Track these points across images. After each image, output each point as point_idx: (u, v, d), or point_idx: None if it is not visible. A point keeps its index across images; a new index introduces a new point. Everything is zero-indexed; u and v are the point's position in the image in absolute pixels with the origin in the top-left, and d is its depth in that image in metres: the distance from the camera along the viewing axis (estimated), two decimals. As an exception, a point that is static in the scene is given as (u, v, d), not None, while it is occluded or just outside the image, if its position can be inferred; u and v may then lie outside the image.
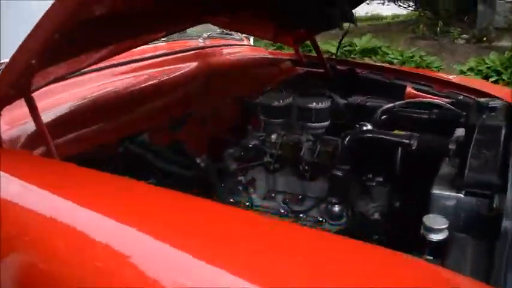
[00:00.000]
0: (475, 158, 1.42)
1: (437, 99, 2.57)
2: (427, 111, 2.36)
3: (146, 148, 1.90)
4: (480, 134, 1.48)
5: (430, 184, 1.49)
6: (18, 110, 1.45)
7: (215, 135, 2.37)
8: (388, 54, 9.03)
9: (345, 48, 9.34)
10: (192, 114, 2.23)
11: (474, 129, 1.50)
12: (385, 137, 1.78)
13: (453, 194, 1.43)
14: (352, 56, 9.26)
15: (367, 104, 2.77)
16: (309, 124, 2.09)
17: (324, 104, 2.07)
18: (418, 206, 1.81)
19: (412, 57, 8.66)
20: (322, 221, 1.96)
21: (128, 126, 1.88)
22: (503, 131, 1.47)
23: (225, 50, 2.94)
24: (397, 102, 2.65)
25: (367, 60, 8.79)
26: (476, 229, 1.34)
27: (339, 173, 1.88)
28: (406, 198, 1.98)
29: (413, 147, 1.68)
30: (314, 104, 2.06)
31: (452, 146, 1.60)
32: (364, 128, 2.16)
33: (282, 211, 2.05)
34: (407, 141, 1.69)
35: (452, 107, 2.48)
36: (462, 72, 7.64)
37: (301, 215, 2.01)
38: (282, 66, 3.08)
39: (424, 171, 1.76)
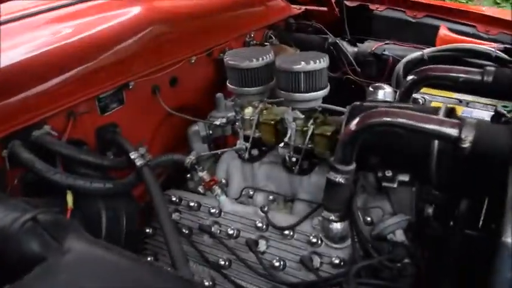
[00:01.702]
0: None
1: (485, 44, 1.82)
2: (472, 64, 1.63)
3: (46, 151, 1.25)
4: None
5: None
6: None
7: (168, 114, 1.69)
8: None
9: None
10: (131, 87, 1.54)
11: None
12: (411, 123, 1.06)
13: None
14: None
15: (384, 52, 2.03)
16: (297, 95, 1.38)
17: (319, 63, 1.35)
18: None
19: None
20: (316, 242, 1.30)
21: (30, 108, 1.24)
22: None
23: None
24: (426, 50, 1.90)
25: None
26: None
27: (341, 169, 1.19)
28: (448, 208, 1.31)
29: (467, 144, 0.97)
30: (302, 63, 1.33)
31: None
32: (380, 97, 1.45)
33: (259, 225, 1.40)
34: (455, 132, 0.98)
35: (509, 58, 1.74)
36: (496, 3, 6.55)
37: (286, 232, 1.36)
38: (273, 5, 2.29)
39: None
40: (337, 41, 2.12)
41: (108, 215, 1.27)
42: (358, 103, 1.37)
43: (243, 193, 1.59)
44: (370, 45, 2.09)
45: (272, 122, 1.48)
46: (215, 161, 1.72)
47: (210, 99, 1.79)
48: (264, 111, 1.53)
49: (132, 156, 1.38)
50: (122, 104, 1.53)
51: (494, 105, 1.70)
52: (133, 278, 0.70)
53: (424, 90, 1.91)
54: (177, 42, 1.73)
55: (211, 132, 1.73)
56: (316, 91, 1.38)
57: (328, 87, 1.42)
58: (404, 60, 1.93)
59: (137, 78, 1.56)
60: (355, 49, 2.14)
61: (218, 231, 1.48)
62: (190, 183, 1.73)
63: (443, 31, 1.92)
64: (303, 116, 1.43)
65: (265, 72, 1.48)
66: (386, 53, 2.02)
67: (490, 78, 1.30)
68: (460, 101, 1.83)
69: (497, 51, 1.74)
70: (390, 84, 1.63)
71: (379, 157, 1.29)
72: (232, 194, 1.60)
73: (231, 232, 1.44)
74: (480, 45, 1.78)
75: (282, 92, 1.41)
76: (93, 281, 0.67)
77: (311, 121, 1.41)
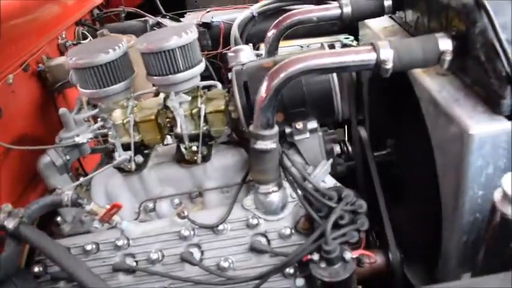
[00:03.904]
0: None
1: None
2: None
3: None
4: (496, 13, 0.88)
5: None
6: None
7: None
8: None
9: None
10: None
11: (483, 8, 0.88)
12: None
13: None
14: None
15: (213, 19, 1.94)
16: (176, 76, 1.19)
17: (191, 34, 1.17)
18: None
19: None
20: (257, 223, 1.18)
21: None
22: None
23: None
24: (253, 7, 1.90)
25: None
26: None
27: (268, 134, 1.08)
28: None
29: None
30: (175, 38, 1.14)
31: (446, 46, 0.96)
32: (242, 59, 1.36)
33: (186, 233, 1.19)
34: (373, 57, 0.96)
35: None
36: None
37: (219, 228, 1.19)
38: None
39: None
40: (159, 20, 1.94)
41: None
42: (238, 67, 1.27)
43: (141, 209, 1.34)
44: (194, 16, 1.98)
45: (152, 118, 1.27)
46: (87, 189, 1.41)
47: (46, 122, 1.44)
48: (135, 108, 1.30)
49: (-2, 220, 1.01)
50: None
51: (336, 41, 1.82)
52: None
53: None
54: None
55: (68, 157, 1.40)
56: (195, 66, 1.22)
57: (204, 60, 1.27)
58: (236, 22, 1.90)
59: None
60: (181, 24, 2.00)
61: (135, 263, 1.23)
62: (65, 227, 1.39)
63: (262, -15, 1.95)
64: (189, 99, 1.25)
65: (125, 63, 1.23)
66: (215, 20, 1.94)
67: (349, 9, 1.35)
68: (301, 46, 1.90)
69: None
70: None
71: (283, 113, 1.23)
72: (126, 217, 1.33)
73: (154, 256, 1.20)
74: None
75: (156, 77, 1.20)
76: None
77: (199, 100, 1.25)
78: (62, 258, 1.00)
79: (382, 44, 0.98)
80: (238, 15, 1.88)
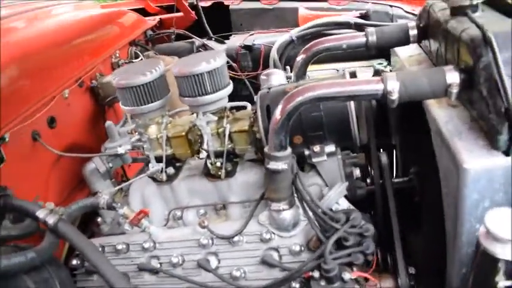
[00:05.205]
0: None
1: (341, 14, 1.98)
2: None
3: None
4: (501, 48, 0.90)
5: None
6: None
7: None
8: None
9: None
10: (7, 139, 1.30)
11: (489, 43, 0.91)
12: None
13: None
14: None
15: (255, 42, 2.06)
16: (204, 97, 1.30)
17: (219, 60, 1.29)
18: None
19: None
20: (269, 238, 1.26)
21: None
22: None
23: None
24: (293, 31, 1.99)
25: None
26: None
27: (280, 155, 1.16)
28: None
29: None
30: (203, 64, 1.26)
31: (454, 79, 0.99)
32: (274, 83, 1.45)
33: (204, 241, 1.30)
34: (380, 87, 1.02)
35: (367, 22, 1.92)
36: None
37: (235, 239, 1.28)
38: (126, 21, 2.15)
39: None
40: (205, 42, 2.09)
41: None
42: (264, 90, 1.36)
43: (170, 217, 1.46)
44: (237, 39, 2.11)
45: (183, 134, 1.39)
46: (125, 195, 1.55)
47: (95, 132, 1.61)
48: (169, 125, 1.43)
49: (41, 215, 1.16)
50: (3, 162, 1.28)
51: (369, 66, 1.87)
52: None
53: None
54: (42, 77, 1.51)
55: (111, 165, 1.56)
56: (222, 89, 1.33)
57: (232, 84, 1.38)
58: (276, 45, 1.99)
59: (10, 128, 1.32)
60: (225, 46, 2.13)
61: (159, 265, 1.34)
62: (104, 228, 1.54)
63: (303, 10, 2.03)
64: (215, 118, 1.36)
65: (161, 84, 1.37)
66: (256, 42, 2.06)
67: (374, 38, 1.40)
68: (337, 70, 1.96)
69: (355, 18, 1.91)
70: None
71: (302, 136, 1.30)
72: (156, 222, 1.46)
73: (175, 260, 1.31)
74: (338, 16, 1.93)
75: (187, 98, 1.33)
76: None
77: (225, 120, 1.36)
78: (90, 253, 1.13)
79: (389, 75, 1.03)
80: (278, 39, 1.97)
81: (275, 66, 1.99)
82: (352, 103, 1.26)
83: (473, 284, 0.86)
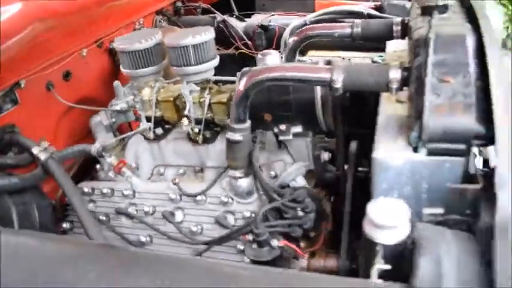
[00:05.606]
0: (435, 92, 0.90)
1: (357, 4, 2.02)
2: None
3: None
4: (437, 50, 0.94)
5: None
6: None
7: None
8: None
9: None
10: (23, 85, 1.51)
11: (426, 44, 0.95)
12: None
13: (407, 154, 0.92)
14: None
15: (270, 23, 2.16)
16: (188, 68, 1.44)
17: (205, 35, 1.42)
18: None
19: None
20: (227, 201, 1.39)
21: None
22: (470, 40, 0.93)
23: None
24: (308, 16, 2.06)
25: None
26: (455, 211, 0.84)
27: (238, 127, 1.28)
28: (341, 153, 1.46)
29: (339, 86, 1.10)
30: (189, 38, 1.40)
31: (395, 75, 1.05)
32: (268, 63, 1.55)
33: (173, 196, 1.46)
34: (327, 76, 1.10)
35: (379, 14, 1.95)
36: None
37: (198, 198, 1.43)
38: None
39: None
40: (225, 18, 2.21)
41: (19, 210, 1.26)
42: (246, 68, 1.47)
43: (154, 172, 1.64)
44: (257, 19, 2.21)
45: (171, 99, 1.54)
46: (123, 148, 1.74)
47: (108, 90, 1.80)
48: (161, 89, 1.59)
49: (35, 151, 1.37)
50: (17, 104, 1.50)
51: (371, 57, 1.90)
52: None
53: (311, 53, 2.08)
54: (64, 36, 1.71)
55: (114, 120, 1.75)
56: (206, 62, 1.46)
57: (218, 58, 1.50)
58: (289, 27, 2.07)
59: (28, 76, 1.53)
60: (244, 24, 2.24)
61: (135, 212, 1.52)
62: (101, 174, 1.74)
63: (319, -3, 2.09)
64: (198, 88, 1.50)
65: (156, 52, 1.52)
66: (272, 23, 2.15)
67: (359, 29, 1.46)
68: (343, 58, 2.01)
69: (368, 9, 1.94)
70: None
71: (271, 114, 1.40)
72: (143, 175, 1.64)
73: (147, 209, 1.48)
74: (352, 5, 1.97)
75: (175, 68, 1.47)
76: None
77: (206, 91, 1.49)
78: (71, 195, 1.32)
79: (338, 66, 1.11)
80: (293, 21, 2.05)
81: (286, 47, 2.08)
82: (318, 89, 1.34)
83: (361, 266, 0.94)
